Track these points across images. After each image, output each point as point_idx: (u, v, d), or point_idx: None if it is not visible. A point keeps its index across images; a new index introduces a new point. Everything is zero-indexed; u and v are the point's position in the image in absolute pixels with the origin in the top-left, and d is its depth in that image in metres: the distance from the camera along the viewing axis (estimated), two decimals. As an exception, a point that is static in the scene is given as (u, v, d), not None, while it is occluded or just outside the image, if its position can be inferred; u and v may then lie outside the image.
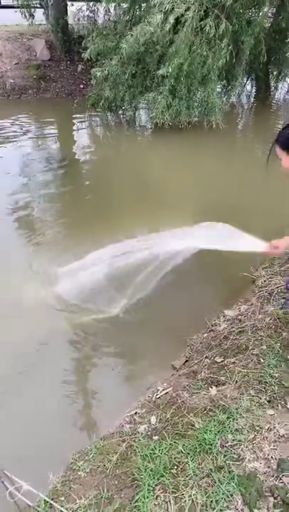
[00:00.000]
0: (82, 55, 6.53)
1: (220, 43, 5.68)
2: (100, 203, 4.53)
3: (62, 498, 1.65)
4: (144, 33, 5.48)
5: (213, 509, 1.44)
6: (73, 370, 2.54)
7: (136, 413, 2.12)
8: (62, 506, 1.59)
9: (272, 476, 1.53)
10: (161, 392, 2.23)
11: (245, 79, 8.46)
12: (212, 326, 2.73)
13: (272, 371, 2.05)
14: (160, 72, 5.61)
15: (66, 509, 1.57)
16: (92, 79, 6.71)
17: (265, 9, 7.40)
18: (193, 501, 1.48)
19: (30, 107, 7.77)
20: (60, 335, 2.71)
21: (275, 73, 9.22)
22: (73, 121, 7.53)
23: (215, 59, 5.75)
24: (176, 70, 5.64)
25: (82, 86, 8.54)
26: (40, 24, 9.03)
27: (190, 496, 1.50)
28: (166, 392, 2.20)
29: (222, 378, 2.12)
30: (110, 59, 6.20)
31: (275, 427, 1.73)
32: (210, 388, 2.07)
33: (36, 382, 2.41)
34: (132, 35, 5.52)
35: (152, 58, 6.09)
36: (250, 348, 2.28)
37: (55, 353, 2.59)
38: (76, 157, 5.98)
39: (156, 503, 1.51)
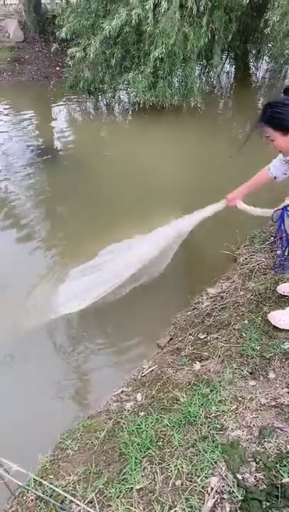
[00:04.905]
0: (57, 33, 6.33)
1: (200, 21, 5.60)
2: (91, 198, 4.27)
3: (52, 476, 1.67)
4: (131, 15, 5.37)
5: (198, 476, 1.48)
6: (60, 352, 2.55)
7: (122, 392, 2.16)
8: (51, 483, 1.61)
9: (254, 442, 1.58)
10: (146, 370, 2.27)
11: (223, 58, 8.36)
12: (195, 304, 2.77)
13: (253, 344, 2.09)
14: (156, 53, 5.51)
15: (55, 486, 1.60)
16: (69, 60, 6.54)
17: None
18: (179, 470, 1.53)
19: (5, 92, 7.54)
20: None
21: (254, 52, 9.14)
22: (52, 105, 7.32)
23: (196, 37, 5.68)
24: (167, 51, 5.57)
25: (58, 68, 8.32)
26: (11, 4, 8.72)
27: (176, 465, 1.55)
28: (152, 370, 2.24)
29: (205, 354, 2.16)
30: (88, 38, 6.03)
31: (256, 397, 1.78)
32: (194, 364, 2.11)
33: (23, 365, 2.41)
34: (118, 17, 5.39)
35: (133, 38, 5.97)
36: (232, 323, 2.32)
37: (42, 336, 2.59)
38: (58, 147, 5.73)
39: (143, 474, 1.55)
